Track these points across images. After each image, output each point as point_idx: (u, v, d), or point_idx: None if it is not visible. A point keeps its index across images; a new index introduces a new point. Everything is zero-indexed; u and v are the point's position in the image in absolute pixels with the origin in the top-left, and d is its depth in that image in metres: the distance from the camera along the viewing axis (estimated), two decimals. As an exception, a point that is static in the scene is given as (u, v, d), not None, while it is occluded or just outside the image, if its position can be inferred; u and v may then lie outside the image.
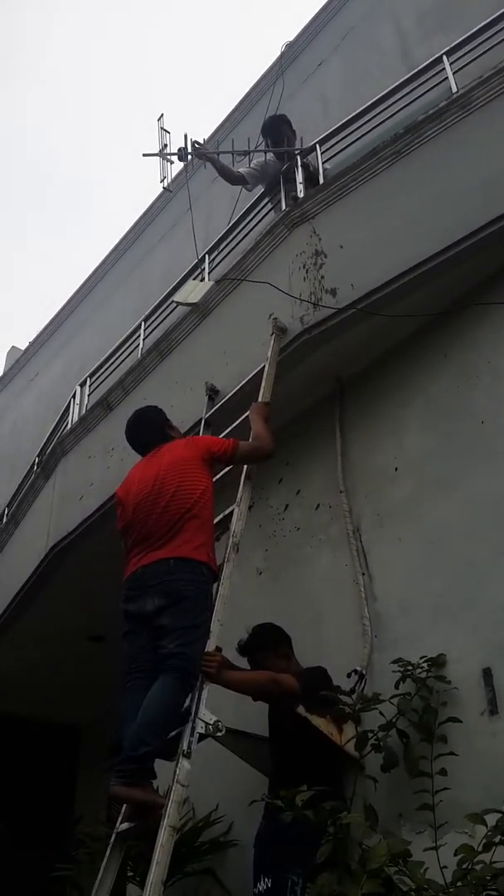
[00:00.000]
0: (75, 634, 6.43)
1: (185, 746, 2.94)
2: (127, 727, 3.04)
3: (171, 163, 5.80)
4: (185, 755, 2.92)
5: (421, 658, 3.29)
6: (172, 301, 5.55)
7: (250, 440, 3.84)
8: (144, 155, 5.79)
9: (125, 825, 3.04)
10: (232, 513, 3.73)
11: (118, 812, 3.18)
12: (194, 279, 5.45)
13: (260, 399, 4.10)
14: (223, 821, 3.93)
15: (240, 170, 5.70)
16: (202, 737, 3.03)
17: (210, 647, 3.23)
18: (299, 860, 2.99)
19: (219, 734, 3.06)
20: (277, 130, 5.66)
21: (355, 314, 4.12)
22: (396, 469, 4.03)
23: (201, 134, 8.68)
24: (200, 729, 3.00)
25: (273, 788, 3.32)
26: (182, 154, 5.64)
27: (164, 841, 2.70)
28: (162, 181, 5.86)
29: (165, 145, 5.74)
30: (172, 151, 5.67)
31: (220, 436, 4.11)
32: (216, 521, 3.69)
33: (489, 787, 2.91)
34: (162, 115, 5.78)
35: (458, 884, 2.37)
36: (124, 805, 3.07)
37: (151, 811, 2.87)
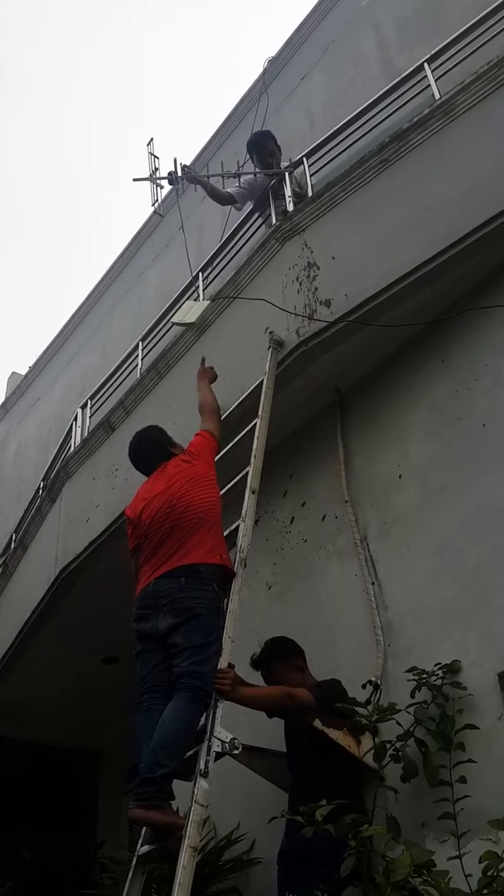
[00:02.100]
0: (90, 657, 6.42)
1: (202, 766, 2.92)
2: (143, 749, 3.04)
3: (161, 187, 5.86)
4: (202, 775, 2.90)
5: (435, 665, 3.28)
6: (170, 322, 5.58)
7: (206, 416, 4.18)
8: (135, 180, 5.84)
9: (146, 848, 3.03)
10: (238, 528, 3.73)
11: (139, 835, 3.16)
12: (191, 299, 5.47)
13: (260, 411, 4.12)
14: (245, 839, 3.91)
15: (228, 189, 5.76)
16: (219, 755, 3.01)
17: (223, 663, 3.22)
18: (324, 875, 2.96)
19: (235, 752, 3.05)
20: (263, 145, 5.73)
21: (351, 324, 4.12)
22: (400, 476, 4.03)
23: (190, 153, 8.76)
24: (217, 747, 2.98)
25: (293, 804, 3.31)
26: (172, 178, 5.69)
27: (185, 862, 2.68)
28: (154, 204, 5.91)
29: (157, 169, 5.79)
30: (163, 176, 5.72)
31: (221, 454, 4.12)
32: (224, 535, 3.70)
33: (510, 793, 2.89)
34: (152, 139, 5.84)
35: (484, 891, 2.35)
36: (144, 828, 3.06)
37: (171, 833, 2.86)
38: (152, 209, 6.13)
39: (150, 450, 4.04)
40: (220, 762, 3.10)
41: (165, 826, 2.89)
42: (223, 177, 5.84)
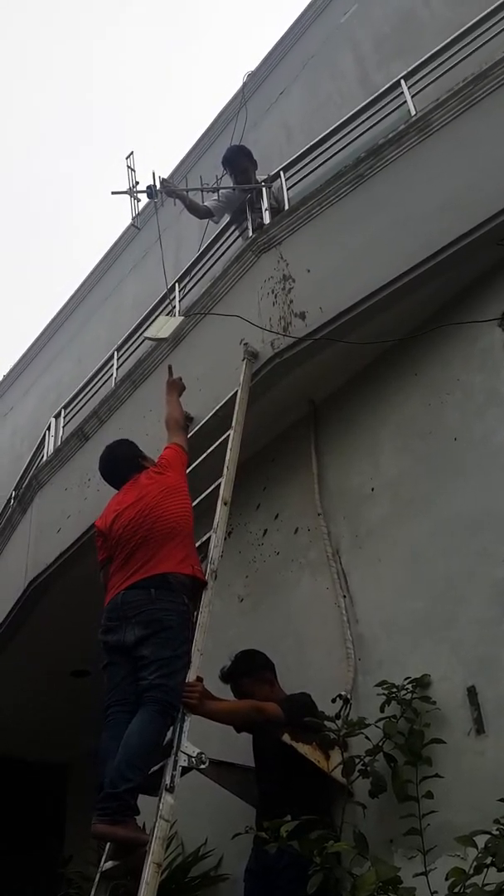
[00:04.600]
0: (59, 670, 6.34)
1: (167, 781, 2.89)
2: (108, 763, 2.99)
3: (139, 200, 5.86)
4: (168, 790, 2.87)
5: (405, 679, 3.26)
6: (143, 337, 5.56)
7: (173, 430, 4.20)
8: (114, 193, 5.83)
9: (109, 864, 2.99)
10: (209, 539, 3.71)
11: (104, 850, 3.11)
12: (165, 314, 5.46)
13: (233, 422, 4.11)
14: (213, 854, 3.86)
15: (206, 203, 5.79)
16: (185, 770, 2.98)
17: (191, 677, 3.19)
18: (291, 892, 2.93)
19: (202, 766, 3.02)
20: (237, 163, 5.76)
21: (326, 337, 4.13)
22: (373, 489, 4.03)
23: (169, 166, 8.77)
24: (183, 762, 2.95)
25: (260, 819, 3.27)
26: (151, 192, 5.69)
27: (148, 878, 2.64)
28: (134, 219, 5.90)
29: (136, 182, 5.79)
30: (141, 189, 5.72)
31: (192, 466, 4.11)
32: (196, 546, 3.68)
33: (479, 808, 2.86)
34: (131, 152, 5.83)
35: (450, 909, 2.34)
36: (108, 843, 3.01)
37: (135, 848, 2.82)
38: (133, 225, 6.13)
39: (121, 462, 4.02)
40: (190, 777, 3.07)
41: (128, 841, 2.85)
42: (202, 190, 5.87)
